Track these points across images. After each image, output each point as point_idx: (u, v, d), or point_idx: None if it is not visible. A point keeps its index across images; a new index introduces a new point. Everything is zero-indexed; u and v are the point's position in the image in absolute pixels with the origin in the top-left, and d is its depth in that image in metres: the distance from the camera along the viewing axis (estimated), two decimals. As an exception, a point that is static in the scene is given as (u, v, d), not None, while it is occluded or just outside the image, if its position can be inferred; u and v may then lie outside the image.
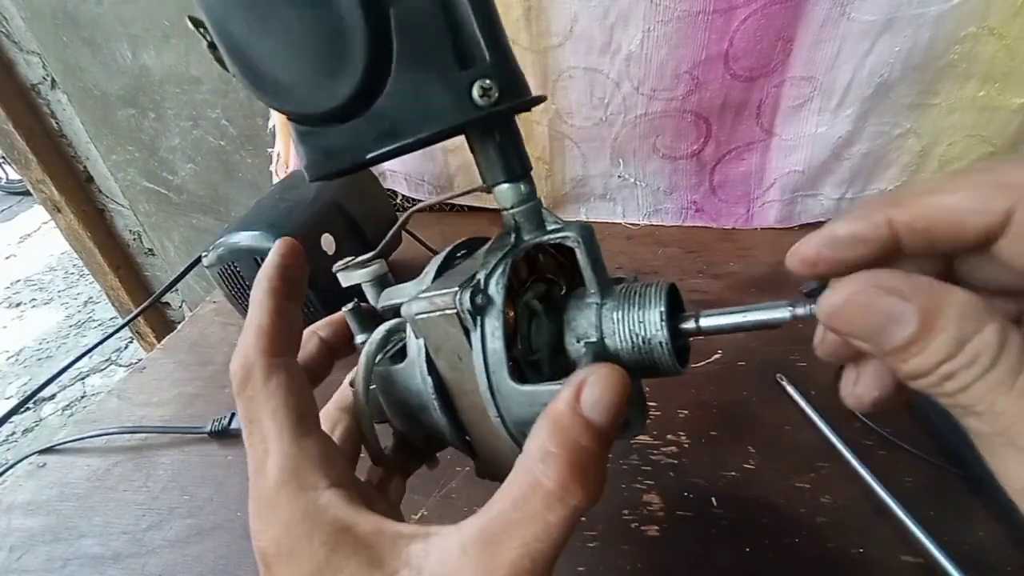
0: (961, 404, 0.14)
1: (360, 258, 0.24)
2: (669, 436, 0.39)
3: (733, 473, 0.36)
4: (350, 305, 0.25)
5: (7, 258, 2.66)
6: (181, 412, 0.48)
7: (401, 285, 0.25)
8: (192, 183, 0.99)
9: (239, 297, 0.51)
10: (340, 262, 0.23)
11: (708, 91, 0.53)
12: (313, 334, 0.26)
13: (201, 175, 0.97)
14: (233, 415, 0.44)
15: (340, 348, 0.26)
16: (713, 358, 0.44)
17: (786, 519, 0.33)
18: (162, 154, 0.96)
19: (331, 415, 0.25)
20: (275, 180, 0.73)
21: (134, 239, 1.15)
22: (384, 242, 0.24)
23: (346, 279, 0.24)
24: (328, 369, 0.25)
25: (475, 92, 0.18)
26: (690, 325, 0.19)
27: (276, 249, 0.22)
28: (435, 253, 0.60)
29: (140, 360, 0.58)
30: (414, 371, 0.22)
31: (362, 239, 0.55)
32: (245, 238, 0.47)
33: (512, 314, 0.21)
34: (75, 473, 0.43)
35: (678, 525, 0.33)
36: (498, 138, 0.20)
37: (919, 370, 0.14)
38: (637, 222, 0.65)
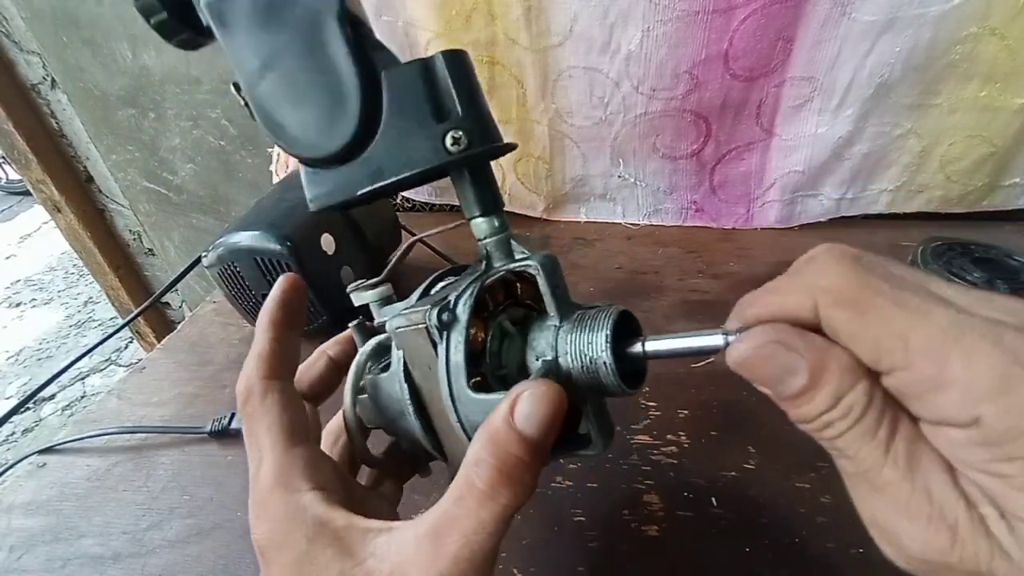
0: (836, 448, 0.16)
1: (370, 281, 0.27)
2: (669, 436, 0.39)
3: (733, 473, 0.36)
4: (355, 322, 0.28)
5: (7, 258, 2.66)
6: (181, 412, 0.47)
7: (396, 304, 0.27)
8: (192, 183, 0.99)
9: (239, 297, 0.51)
10: (353, 284, 0.26)
11: (708, 91, 0.53)
12: (322, 353, 0.29)
13: (201, 175, 0.97)
14: (233, 415, 0.44)
15: (347, 364, 0.28)
16: (713, 358, 0.44)
17: (786, 519, 0.33)
18: (162, 154, 0.96)
19: (334, 429, 0.28)
20: (275, 180, 0.73)
21: (134, 239, 1.15)
22: (388, 268, 0.27)
23: (357, 299, 0.26)
24: (336, 383, 0.29)
25: (448, 141, 0.21)
26: (636, 349, 0.21)
27: (279, 284, 0.26)
28: (436, 253, 0.60)
29: (140, 360, 0.58)
30: (395, 380, 0.25)
31: (362, 239, 0.55)
32: (245, 238, 0.47)
33: (480, 332, 0.23)
34: (75, 473, 0.43)
35: (678, 525, 0.33)
36: (473, 179, 0.23)
37: (806, 417, 0.16)
38: (637, 222, 0.65)
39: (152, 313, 1.23)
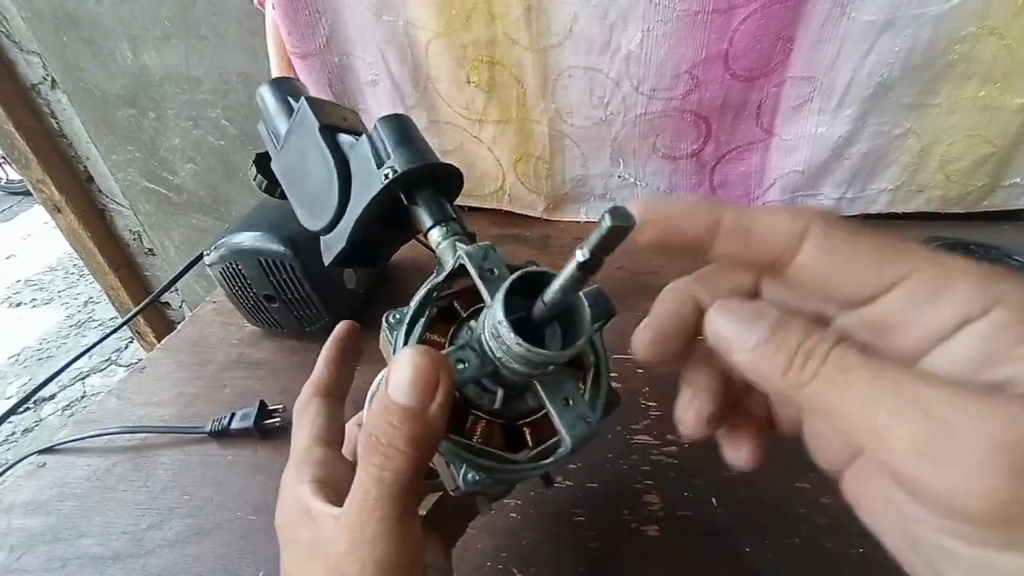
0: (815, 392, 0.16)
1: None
2: (669, 436, 0.39)
3: (733, 473, 0.36)
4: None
5: (7, 258, 2.66)
6: (181, 412, 0.48)
7: None
8: (192, 183, 0.99)
9: (240, 297, 0.51)
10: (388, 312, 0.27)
11: (708, 91, 0.53)
12: (353, 425, 0.32)
13: (201, 175, 0.97)
14: (233, 415, 0.44)
15: None
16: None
17: (786, 519, 0.33)
18: (162, 154, 0.96)
19: (351, 430, 0.30)
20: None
21: (134, 239, 1.15)
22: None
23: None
24: None
25: (382, 177, 0.28)
26: (539, 307, 0.20)
27: (337, 329, 0.30)
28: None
29: (140, 360, 0.58)
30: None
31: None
32: (248, 238, 0.48)
33: (442, 337, 0.24)
34: (75, 473, 0.43)
35: (678, 525, 0.33)
36: (413, 199, 0.28)
37: (780, 362, 0.16)
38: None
39: (152, 313, 1.23)
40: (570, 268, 0.18)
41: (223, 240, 0.48)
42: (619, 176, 0.63)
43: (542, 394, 0.22)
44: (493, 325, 0.20)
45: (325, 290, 0.50)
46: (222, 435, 0.44)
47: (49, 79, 0.95)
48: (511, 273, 0.21)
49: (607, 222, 0.16)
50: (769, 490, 0.34)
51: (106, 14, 0.81)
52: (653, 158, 0.60)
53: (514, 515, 0.35)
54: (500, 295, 0.19)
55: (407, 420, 0.19)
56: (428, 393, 0.19)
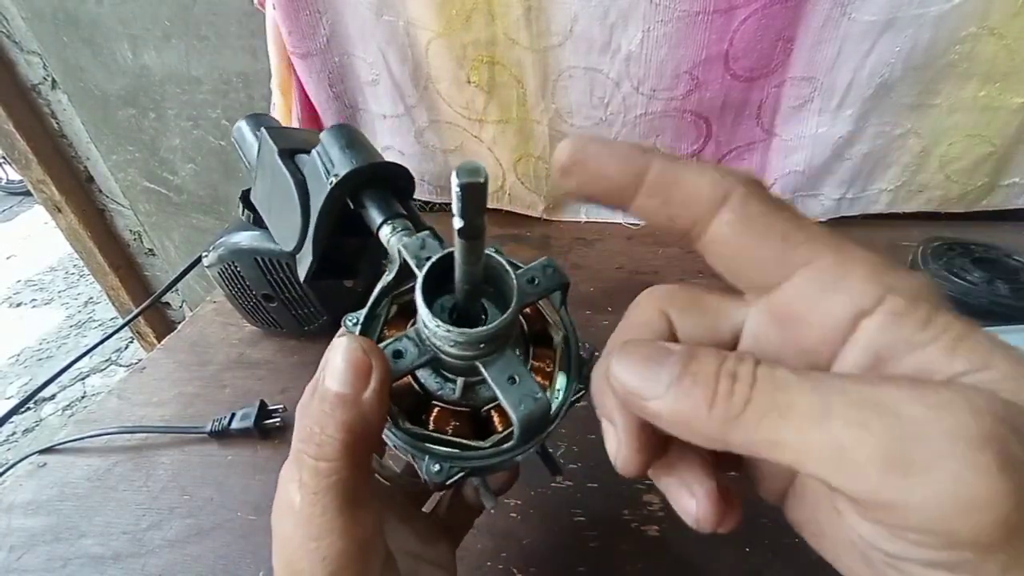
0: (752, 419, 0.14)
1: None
2: (669, 436, 0.39)
3: (733, 473, 0.36)
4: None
5: (7, 258, 2.66)
6: (181, 412, 0.48)
7: None
8: (192, 183, 0.99)
9: (239, 297, 0.51)
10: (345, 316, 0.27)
11: (708, 91, 0.53)
12: None
13: (201, 175, 0.97)
14: (233, 415, 0.44)
15: None
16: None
17: (786, 519, 0.33)
18: (162, 154, 0.96)
19: None
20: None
21: (134, 239, 1.15)
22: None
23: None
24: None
25: (328, 185, 0.29)
26: (456, 287, 0.19)
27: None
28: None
29: (140, 360, 0.58)
30: None
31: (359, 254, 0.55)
32: (246, 238, 0.47)
33: (399, 331, 0.23)
34: (75, 473, 0.43)
35: (678, 525, 0.33)
36: (359, 200, 0.29)
37: (701, 396, 0.14)
38: (637, 222, 0.65)
39: (152, 313, 1.23)
40: (456, 241, 0.17)
41: (221, 240, 0.48)
42: (619, 176, 0.63)
43: (486, 375, 0.21)
44: (416, 307, 0.20)
45: (323, 289, 0.50)
46: (222, 435, 0.44)
47: (49, 79, 0.95)
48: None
49: (455, 184, 0.14)
50: (769, 490, 0.34)
51: (106, 14, 0.81)
52: (653, 158, 0.60)
53: (514, 515, 0.35)
54: (419, 280, 0.19)
55: (339, 406, 0.19)
56: (361, 379, 0.19)
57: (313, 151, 0.31)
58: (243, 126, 0.39)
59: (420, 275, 0.20)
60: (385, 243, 0.27)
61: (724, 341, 0.18)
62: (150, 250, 1.16)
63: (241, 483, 0.41)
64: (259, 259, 0.47)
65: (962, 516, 0.11)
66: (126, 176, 1.03)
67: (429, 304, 0.19)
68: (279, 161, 0.32)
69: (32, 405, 1.72)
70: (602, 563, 0.32)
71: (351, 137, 0.31)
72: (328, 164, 0.30)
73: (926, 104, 0.50)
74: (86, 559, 0.37)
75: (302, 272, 0.32)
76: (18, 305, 2.31)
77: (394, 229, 0.27)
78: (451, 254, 0.19)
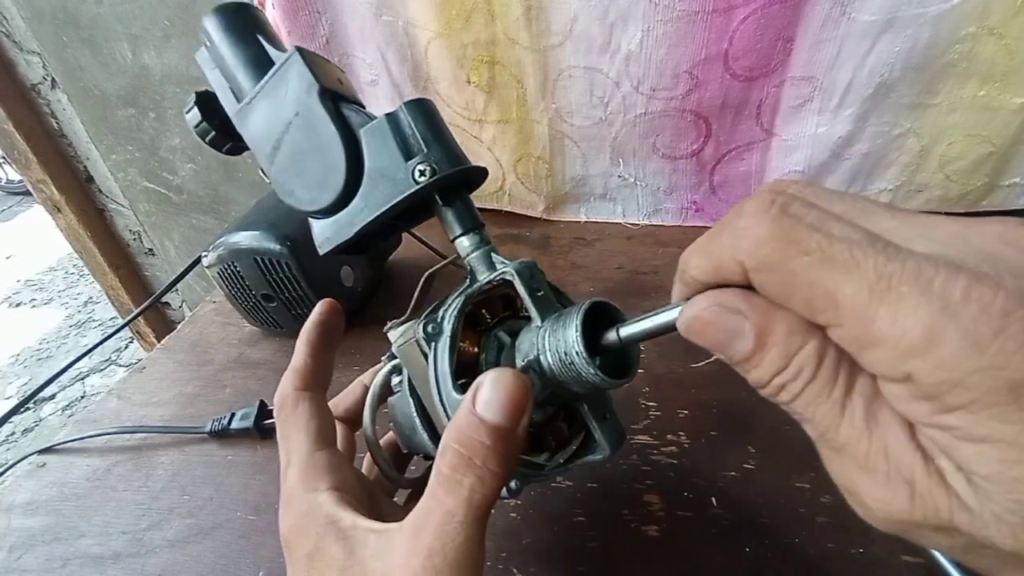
0: (794, 412, 0.15)
1: (403, 319, 0.28)
2: (669, 436, 0.39)
3: (733, 473, 0.36)
4: (388, 354, 0.29)
5: (7, 258, 2.66)
6: (181, 412, 0.47)
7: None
8: (192, 183, 0.99)
9: (239, 297, 0.51)
10: (389, 323, 0.27)
11: (708, 91, 0.53)
12: (359, 383, 0.31)
13: (201, 175, 0.97)
14: (233, 415, 0.44)
15: (387, 392, 0.30)
16: (713, 357, 0.44)
17: (786, 519, 0.33)
18: (162, 154, 0.96)
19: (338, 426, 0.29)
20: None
21: (134, 239, 1.15)
22: (413, 303, 0.29)
23: (393, 335, 0.27)
24: (378, 408, 0.30)
25: (415, 173, 0.25)
26: (612, 337, 0.21)
27: (318, 308, 0.28)
28: (435, 252, 0.60)
29: (140, 360, 0.58)
30: (405, 396, 0.26)
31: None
32: (245, 238, 0.47)
33: (473, 345, 0.25)
34: (75, 473, 0.43)
35: (678, 525, 0.33)
36: (447, 203, 0.26)
37: (759, 380, 0.16)
38: (637, 222, 0.65)
39: (152, 313, 1.23)
40: (666, 320, 0.19)
41: (220, 241, 0.48)
42: (619, 176, 0.63)
43: (586, 409, 0.24)
44: (566, 353, 0.21)
45: (323, 289, 0.50)
46: (222, 435, 0.44)
47: (49, 79, 0.95)
48: (552, 291, 0.24)
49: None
50: (769, 490, 0.34)
51: (106, 14, 0.81)
52: (653, 158, 0.60)
53: (514, 515, 0.35)
54: (578, 330, 0.21)
55: (500, 439, 0.19)
56: (520, 413, 0.19)
57: (382, 118, 0.26)
58: (217, 23, 0.29)
59: (579, 323, 0.21)
60: (463, 253, 0.26)
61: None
62: (150, 250, 1.16)
63: (241, 483, 0.41)
64: (259, 259, 0.47)
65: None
66: (126, 176, 1.03)
67: (591, 354, 0.21)
68: (320, 104, 0.26)
69: (32, 405, 1.72)
70: (602, 563, 0.32)
71: (440, 123, 0.27)
72: (414, 146, 0.25)
73: (926, 104, 0.50)
74: (85, 559, 0.37)
75: (327, 245, 0.28)
76: (18, 305, 2.31)
77: (478, 242, 0.26)
78: (606, 307, 0.22)
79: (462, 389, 0.23)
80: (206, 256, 0.50)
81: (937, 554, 0.29)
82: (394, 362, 0.28)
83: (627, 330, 0.20)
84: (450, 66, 0.58)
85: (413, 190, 0.25)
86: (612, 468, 0.37)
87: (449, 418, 0.23)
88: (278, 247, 0.46)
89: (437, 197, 0.26)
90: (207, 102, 0.30)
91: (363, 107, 0.28)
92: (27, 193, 1.84)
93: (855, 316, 0.13)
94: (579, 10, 0.51)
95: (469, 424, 0.19)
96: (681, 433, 0.39)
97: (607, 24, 0.51)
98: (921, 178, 0.55)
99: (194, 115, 0.30)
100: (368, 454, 0.29)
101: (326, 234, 0.28)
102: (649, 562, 0.32)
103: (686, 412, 0.40)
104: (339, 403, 0.31)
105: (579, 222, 0.67)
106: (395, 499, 0.30)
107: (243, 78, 0.29)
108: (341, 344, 0.29)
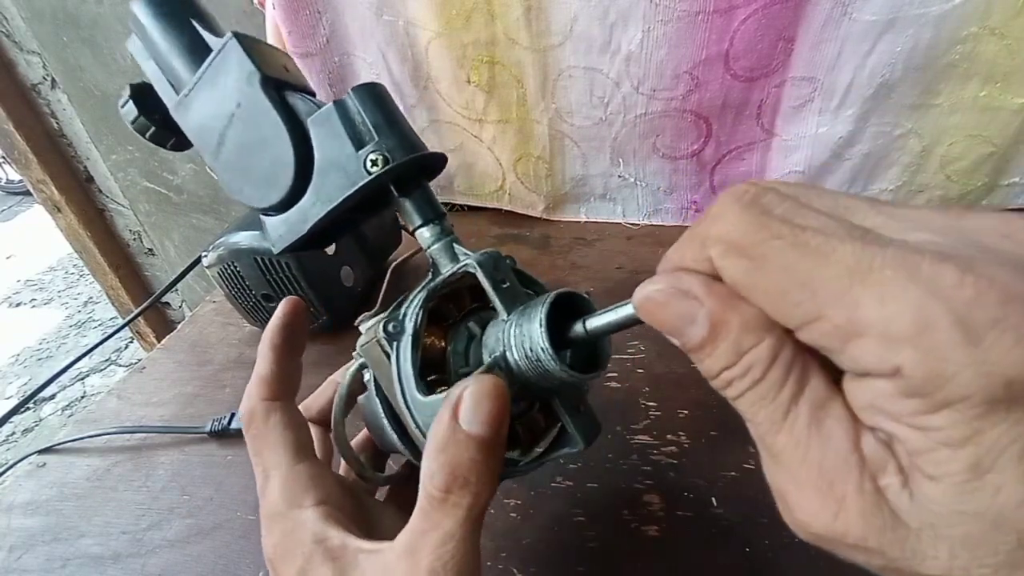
0: (739, 410, 0.15)
1: (374, 311, 0.27)
2: (669, 436, 0.39)
3: (733, 473, 0.36)
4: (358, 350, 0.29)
5: (7, 258, 2.66)
6: (181, 412, 0.47)
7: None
8: (192, 183, 0.99)
9: (239, 297, 0.51)
10: (361, 316, 0.26)
11: (708, 91, 0.53)
12: (331, 382, 0.30)
13: (201, 175, 0.97)
14: (233, 415, 0.44)
15: (356, 391, 0.29)
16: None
17: (786, 519, 0.33)
18: (162, 154, 0.96)
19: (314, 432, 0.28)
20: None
21: (134, 239, 1.15)
22: (382, 296, 0.27)
23: (363, 328, 0.27)
24: (347, 409, 0.29)
25: (367, 163, 0.23)
26: (578, 329, 0.20)
27: (280, 308, 0.26)
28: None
29: (140, 360, 0.58)
30: (372, 395, 0.26)
31: (362, 240, 0.55)
32: (245, 238, 0.47)
33: (439, 340, 0.24)
34: (75, 473, 0.43)
35: (678, 525, 0.33)
36: (404, 193, 0.25)
37: (709, 371, 0.15)
38: (637, 222, 0.65)
39: (152, 313, 1.23)
40: (632, 312, 0.18)
41: (220, 241, 0.48)
42: (619, 176, 0.63)
43: (558, 403, 0.23)
44: (531, 348, 0.20)
45: (323, 289, 0.50)
46: (222, 435, 0.44)
47: (49, 79, 0.95)
48: (520, 280, 0.23)
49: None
50: (769, 490, 0.34)
51: (106, 14, 0.81)
52: (653, 158, 0.60)
53: (514, 515, 0.35)
54: (542, 324, 0.20)
55: (487, 450, 0.19)
56: (502, 419, 0.19)
57: (329, 106, 0.24)
58: (145, 7, 0.28)
59: (543, 318, 0.20)
60: (424, 244, 0.25)
61: None
62: (150, 250, 1.16)
63: (241, 483, 0.40)
64: (259, 259, 0.47)
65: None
66: (126, 176, 1.03)
67: (557, 348, 0.20)
68: (263, 94, 0.24)
69: (32, 405, 1.72)
70: (602, 563, 0.32)
71: (391, 108, 0.25)
72: (364, 134, 0.24)
73: (927, 104, 0.50)
74: (85, 559, 0.37)
75: (281, 243, 0.26)
76: (18, 305, 2.31)
77: (439, 233, 0.25)
78: (571, 297, 0.21)
79: (427, 388, 0.22)
80: (206, 256, 0.50)
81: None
82: (362, 359, 0.27)
83: (593, 322, 0.20)
84: (450, 66, 0.58)
85: (365, 181, 0.23)
86: (612, 468, 0.37)
87: (414, 419, 0.22)
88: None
89: (392, 187, 0.25)
90: (143, 95, 0.28)
91: (312, 95, 0.26)
92: (27, 193, 1.84)
93: (836, 303, 0.12)
94: (579, 10, 0.51)
95: (456, 443, 0.18)
96: (681, 433, 0.39)
97: (607, 24, 0.51)
98: (922, 178, 0.55)
99: (129, 109, 0.28)
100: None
101: (279, 232, 0.26)
102: (649, 562, 0.32)
103: (686, 412, 0.40)
104: (312, 405, 0.30)
105: (579, 222, 0.67)
106: (376, 496, 0.29)
107: (180, 67, 0.27)
108: (339, 343, 0.29)
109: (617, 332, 0.19)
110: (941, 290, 0.11)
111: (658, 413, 0.40)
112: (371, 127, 0.24)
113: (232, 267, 0.49)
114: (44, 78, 0.95)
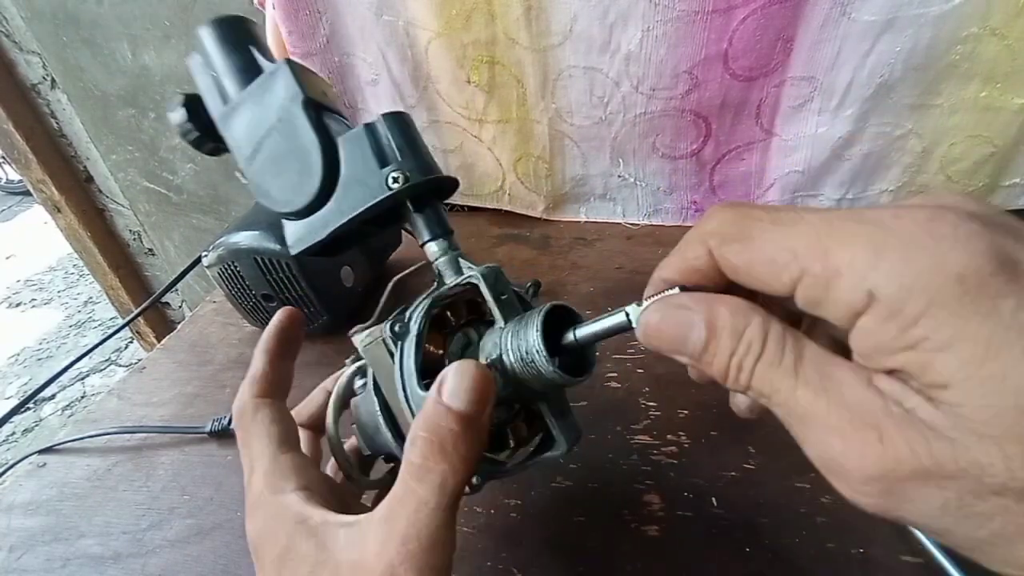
0: (757, 393, 0.16)
1: (368, 324, 0.28)
2: (669, 436, 0.39)
3: (733, 473, 0.36)
4: (352, 358, 0.30)
5: (7, 258, 2.66)
6: (181, 412, 0.47)
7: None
8: (192, 183, 0.99)
9: (239, 297, 0.51)
10: (354, 328, 0.28)
11: (708, 91, 0.53)
12: (322, 389, 0.32)
13: (201, 175, 0.97)
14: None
15: (350, 395, 0.30)
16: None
17: (786, 519, 0.33)
18: (162, 154, 0.96)
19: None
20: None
21: (134, 239, 1.16)
22: (380, 308, 0.29)
23: (357, 339, 0.28)
24: (341, 410, 0.30)
25: (389, 180, 0.26)
26: (569, 337, 0.22)
27: (277, 316, 0.28)
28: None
29: (140, 360, 0.58)
30: (370, 395, 0.27)
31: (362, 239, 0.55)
32: (245, 238, 0.47)
33: (439, 346, 0.26)
34: (75, 473, 0.43)
35: (678, 525, 0.33)
36: (418, 209, 0.27)
37: (720, 367, 0.17)
38: (637, 222, 0.65)
39: (152, 313, 1.23)
40: (618, 321, 0.20)
41: (220, 241, 0.48)
42: (619, 176, 0.63)
43: (545, 407, 0.25)
44: (527, 352, 0.22)
45: (323, 289, 0.50)
46: (222, 435, 0.44)
47: (49, 79, 0.95)
48: (516, 296, 0.25)
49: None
50: (769, 490, 0.34)
51: (106, 14, 0.81)
52: (653, 158, 0.60)
53: (514, 515, 0.35)
54: (538, 331, 0.22)
55: (467, 426, 0.20)
56: (484, 400, 0.20)
57: (360, 128, 0.27)
58: (211, 33, 0.30)
59: (539, 325, 0.22)
60: (432, 257, 0.27)
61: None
62: (150, 250, 1.16)
63: (241, 483, 0.40)
64: (259, 259, 0.47)
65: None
66: (126, 176, 1.03)
67: (550, 353, 0.22)
68: (303, 113, 0.28)
69: (32, 405, 1.72)
70: (602, 563, 0.32)
71: (414, 134, 0.28)
72: (389, 154, 0.27)
73: (927, 104, 0.50)
74: (86, 559, 0.37)
75: (299, 245, 0.29)
76: (18, 305, 2.31)
77: (446, 248, 0.27)
78: (565, 310, 0.23)
79: (427, 388, 0.23)
80: (206, 256, 0.50)
81: (937, 554, 0.29)
82: (357, 364, 0.29)
83: (583, 331, 0.22)
84: (450, 66, 0.58)
85: (386, 195, 0.26)
86: (612, 468, 0.37)
87: (414, 415, 0.23)
88: (278, 247, 0.46)
89: (409, 203, 0.27)
90: (194, 104, 0.31)
91: (345, 119, 0.29)
92: (27, 193, 1.84)
93: (812, 256, 0.15)
94: (579, 10, 0.51)
95: (437, 413, 0.20)
96: (681, 433, 0.39)
97: (607, 24, 0.51)
98: (922, 179, 0.55)
99: (180, 115, 0.31)
100: (332, 459, 0.29)
101: (299, 234, 0.29)
102: (649, 562, 0.32)
103: (686, 412, 0.40)
104: (302, 411, 0.31)
105: (579, 222, 0.67)
106: (362, 500, 0.30)
107: (230, 84, 0.30)
108: (338, 343, 0.30)
109: (603, 340, 0.22)
110: (885, 223, 0.14)
111: (658, 413, 0.40)
112: (396, 149, 0.27)
113: (232, 267, 0.49)
114: (44, 78, 0.95)
